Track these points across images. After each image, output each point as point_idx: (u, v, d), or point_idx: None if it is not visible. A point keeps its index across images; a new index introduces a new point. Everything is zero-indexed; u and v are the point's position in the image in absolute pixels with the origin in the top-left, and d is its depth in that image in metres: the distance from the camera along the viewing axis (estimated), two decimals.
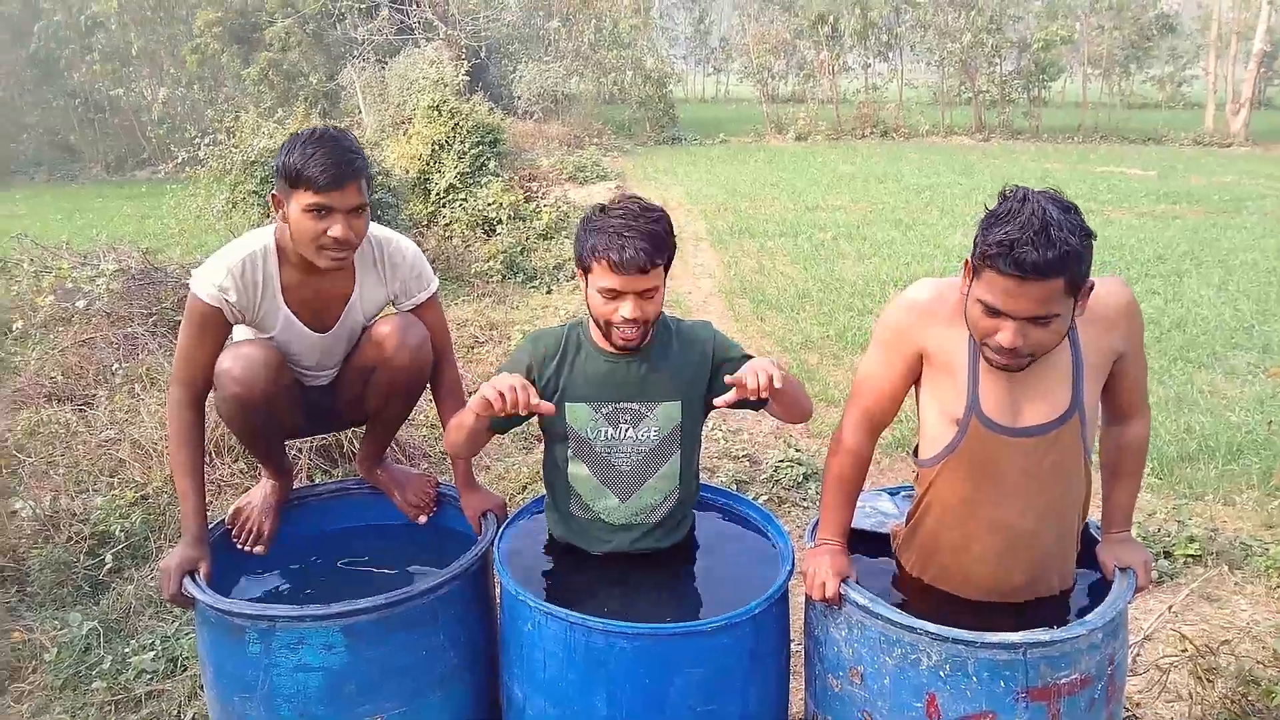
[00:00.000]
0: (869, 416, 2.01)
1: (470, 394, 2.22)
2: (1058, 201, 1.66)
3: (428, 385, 2.44)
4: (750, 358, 2.12)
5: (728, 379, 1.90)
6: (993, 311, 1.69)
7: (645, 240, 1.93)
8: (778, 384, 1.84)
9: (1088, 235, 1.65)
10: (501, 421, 2.13)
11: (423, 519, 2.46)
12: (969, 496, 1.90)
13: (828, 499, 2.04)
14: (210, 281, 2.11)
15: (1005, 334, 1.69)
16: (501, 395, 1.87)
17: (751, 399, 1.93)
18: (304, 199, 2.03)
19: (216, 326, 2.16)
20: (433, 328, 2.38)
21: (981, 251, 1.67)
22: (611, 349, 2.10)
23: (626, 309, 1.96)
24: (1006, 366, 1.76)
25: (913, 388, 1.99)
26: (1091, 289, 1.72)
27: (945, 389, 1.88)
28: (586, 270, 2.01)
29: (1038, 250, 1.60)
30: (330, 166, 2.01)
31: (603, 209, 2.02)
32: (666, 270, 2.04)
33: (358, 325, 2.35)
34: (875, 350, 1.98)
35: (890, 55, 24.73)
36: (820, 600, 1.90)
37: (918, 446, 2.02)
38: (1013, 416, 1.82)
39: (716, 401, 1.96)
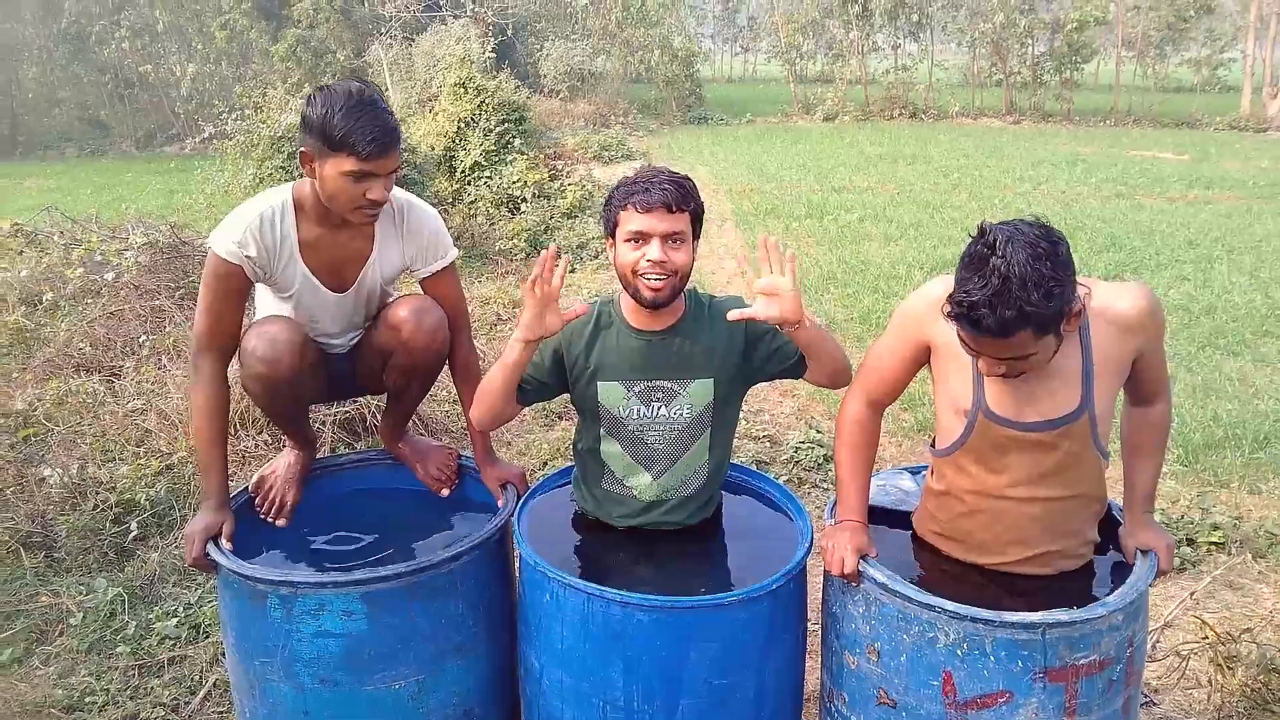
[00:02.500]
0: (869, 392, 2.05)
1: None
2: (1034, 245, 1.62)
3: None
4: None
5: (732, 315, 1.96)
6: (975, 353, 1.74)
7: (670, 184, 1.98)
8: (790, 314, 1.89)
9: (1057, 284, 1.61)
10: (527, 393, 2.14)
11: (445, 492, 2.47)
12: (979, 487, 1.92)
13: (841, 471, 2.05)
14: (229, 238, 2.11)
15: (983, 364, 1.76)
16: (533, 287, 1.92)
17: (786, 350, 1.97)
18: (346, 164, 2.02)
19: (238, 284, 2.16)
20: (449, 298, 2.38)
21: (947, 306, 1.68)
22: (642, 325, 2.09)
23: (653, 250, 1.96)
24: (1005, 378, 1.79)
25: (931, 380, 2.01)
26: (1080, 312, 1.71)
27: (954, 383, 1.90)
28: (614, 228, 2.03)
29: (994, 313, 1.60)
30: (378, 136, 2.00)
31: (628, 176, 2.07)
32: (696, 233, 2.04)
33: (376, 287, 2.35)
34: (888, 333, 2.02)
35: (921, 35, 24.44)
36: (839, 576, 1.90)
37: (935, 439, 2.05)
38: (1019, 411, 1.83)
39: (731, 316, 1.97)
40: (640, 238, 1.98)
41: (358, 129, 1.99)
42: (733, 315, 1.97)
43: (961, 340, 1.75)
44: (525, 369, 2.06)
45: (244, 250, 2.12)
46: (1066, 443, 1.84)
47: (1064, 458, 1.85)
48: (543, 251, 1.95)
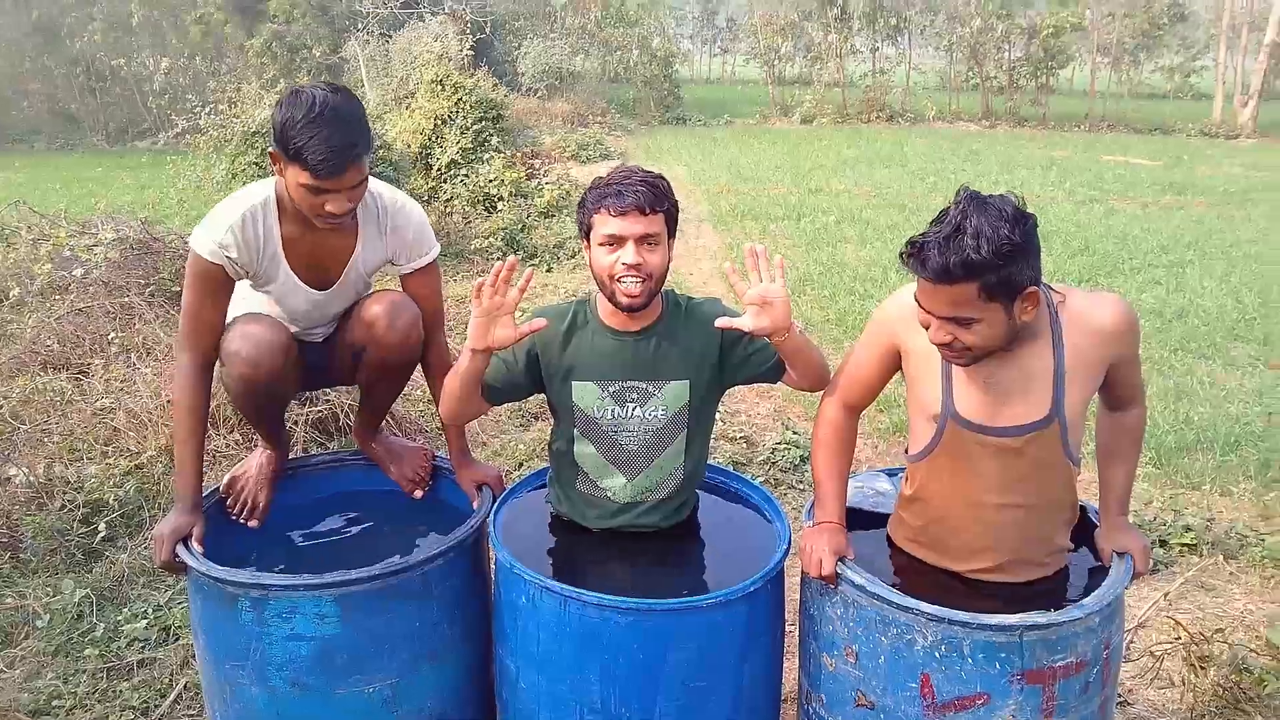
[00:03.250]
0: (845, 396, 2.06)
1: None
2: (1000, 211, 1.65)
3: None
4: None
5: (720, 323, 1.94)
6: (925, 313, 1.74)
7: (643, 186, 1.96)
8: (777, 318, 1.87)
9: (1010, 247, 1.62)
10: (497, 392, 2.12)
11: (418, 494, 2.44)
12: (952, 491, 1.92)
13: (818, 474, 2.05)
14: (211, 238, 2.08)
15: (930, 330, 1.75)
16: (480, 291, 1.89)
17: (763, 358, 1.95)
18: (301, 177, 1.96)
19: (220, 284, 2.12)
20: (427, 296, 2.35)
21: (900, 250, 1.72)
22: (618, 325, 2.08)
23: (628, 254, 1.94)
24: (954, 361, 1.80)
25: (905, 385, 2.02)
26: (1035, 300, 1.71)
27: (924, 389, 1.90)
28: (589, 231, 2.01)
29: (941, 255, 1.64)
30: (330, 155, 1.92)
31: (600, 177, 2.05)
32: (671, 232, 2.02)
33: (359, 281, 2.32)
34: (863, 338, 2.03)
35: (899, 39, 24.58)
36: (816, 578, 1.89)
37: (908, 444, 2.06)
38: (989, 416, 1.83)
39: (719, 324, 1.95)
40: (615, 241, 1.96)
41: (312, 145, 1.91)
42: (720, 323, 1.95)
43: (916, 302, 1.75)
44: (480, 376, 2.04)
45: (226, 251, 2.08)
46: (1035, 449, 1.84)
47: (1034, 464, 1.85)
48: (500, 261, 1.92)
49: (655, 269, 1.98)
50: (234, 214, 2.10)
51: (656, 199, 1.96)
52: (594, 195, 1.99)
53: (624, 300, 1.98)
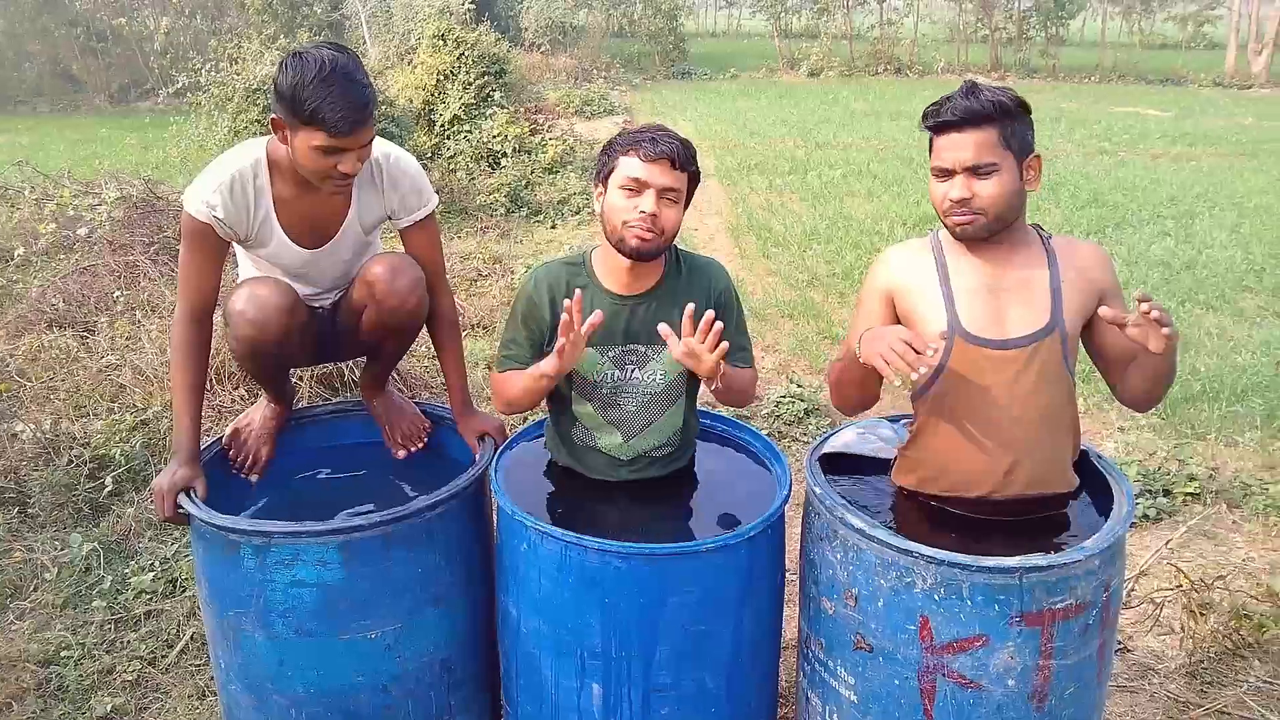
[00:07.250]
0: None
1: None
2: (1002, 89, 1.86)
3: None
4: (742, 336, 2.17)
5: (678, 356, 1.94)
6: (941, 174, 1.86)
7: (678, 142, 1.98)
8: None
9: (1020, 104, 1.84)
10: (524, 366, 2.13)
11: (401, 454, 2.43)
12: (961, 411, 1.92)
13: (846, 346, 2.04)
14: (199, 198, 2.06)
15: (953, 188, 1.84)
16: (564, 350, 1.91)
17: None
18: (315, 139, 1.94)
19: (210, 243, 2.11)
20: (427, 249, 2.32)
21: (921, 120, 1.87)
22: (618, 289, 2.07)
23: (647, 202, 1.93)
24: (967, 228, 1.86)
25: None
26: (1039, 167, 1.88)
27: (925, 315, 1.92)
28: (609, 173, 1.99)
29: (966, 99, 1.81)
30: (348, 112, 1.92)
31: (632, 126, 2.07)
32: (689, 196, 2.04)
33: (358, 239, 2.29)
34: (861, 306, 2.06)
35: None
36: (904, 353, 1.79)
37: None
38: (994, 329, 1.88)
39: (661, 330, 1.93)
40: (638, 186, 1.94)
41: (327, 104, 1.90)
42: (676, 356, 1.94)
43: (934, 174, 1.87)
44: (550, 390, 2.08)
45: (214, 210, 2.06)
46: (1040, 360, 1.88)
47: (1039, 376, 1.88)
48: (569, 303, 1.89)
49: (669, 225, 1.97)
50: (223, 174, 2.07)
51: (688, 158, 1.98)
52: (625, 138, 1.98)
53: (633, 243, 1.96)
